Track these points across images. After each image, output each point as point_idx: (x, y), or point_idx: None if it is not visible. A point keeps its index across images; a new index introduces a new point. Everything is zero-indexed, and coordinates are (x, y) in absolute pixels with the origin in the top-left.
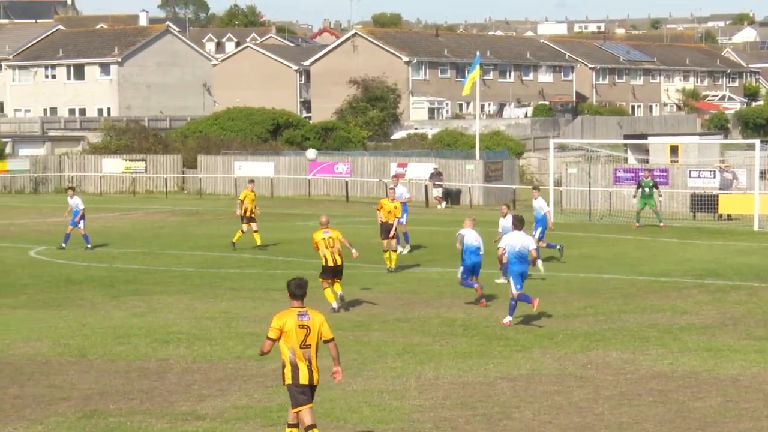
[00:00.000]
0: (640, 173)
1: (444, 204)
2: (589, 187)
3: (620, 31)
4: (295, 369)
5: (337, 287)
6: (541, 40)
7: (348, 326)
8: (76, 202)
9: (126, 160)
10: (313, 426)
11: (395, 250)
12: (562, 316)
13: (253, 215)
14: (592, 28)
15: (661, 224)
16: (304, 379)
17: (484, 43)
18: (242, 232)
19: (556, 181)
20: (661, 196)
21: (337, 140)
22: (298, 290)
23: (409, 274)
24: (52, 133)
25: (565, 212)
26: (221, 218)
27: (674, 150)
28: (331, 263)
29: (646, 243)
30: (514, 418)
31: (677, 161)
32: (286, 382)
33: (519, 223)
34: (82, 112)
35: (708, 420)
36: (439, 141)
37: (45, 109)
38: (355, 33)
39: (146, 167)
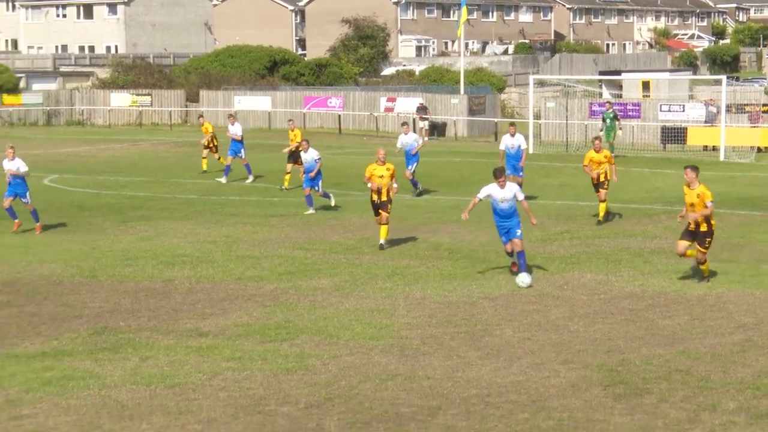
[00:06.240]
0: (602, 106)
1: (427, 138)
2: (566, 120)
3: None
4: None
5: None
6: None
7: (340, 249)
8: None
9: (133, 94)
10: None
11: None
12: (540, 241)
13: None
14: None
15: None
16: None
17: None
18: None
19: (535, 114)
20: (620, 128)
21: (330, 76)
22: None
23: (398, 201)
24: (63, 69)
25: (543, 144)
26: (222, 149)
27: (646, 85)
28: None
29: (619, 173)
30: (495, 335)
31: (649, 96)
32: None
33: None
34: (92, 49)
35: (675, 336)
36: (426, 77)
37: (56, 47)
38: None
39: (152, 101)
